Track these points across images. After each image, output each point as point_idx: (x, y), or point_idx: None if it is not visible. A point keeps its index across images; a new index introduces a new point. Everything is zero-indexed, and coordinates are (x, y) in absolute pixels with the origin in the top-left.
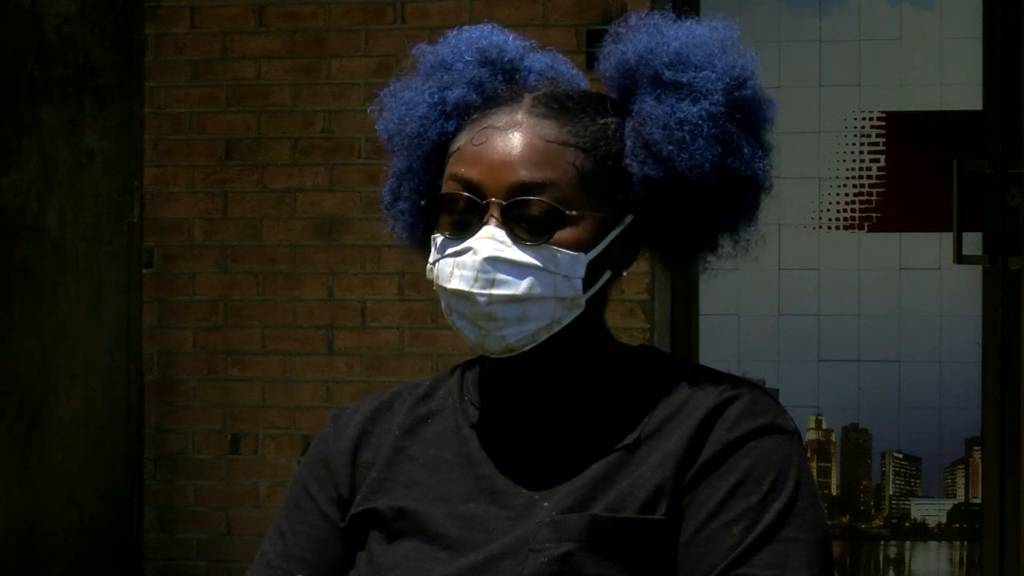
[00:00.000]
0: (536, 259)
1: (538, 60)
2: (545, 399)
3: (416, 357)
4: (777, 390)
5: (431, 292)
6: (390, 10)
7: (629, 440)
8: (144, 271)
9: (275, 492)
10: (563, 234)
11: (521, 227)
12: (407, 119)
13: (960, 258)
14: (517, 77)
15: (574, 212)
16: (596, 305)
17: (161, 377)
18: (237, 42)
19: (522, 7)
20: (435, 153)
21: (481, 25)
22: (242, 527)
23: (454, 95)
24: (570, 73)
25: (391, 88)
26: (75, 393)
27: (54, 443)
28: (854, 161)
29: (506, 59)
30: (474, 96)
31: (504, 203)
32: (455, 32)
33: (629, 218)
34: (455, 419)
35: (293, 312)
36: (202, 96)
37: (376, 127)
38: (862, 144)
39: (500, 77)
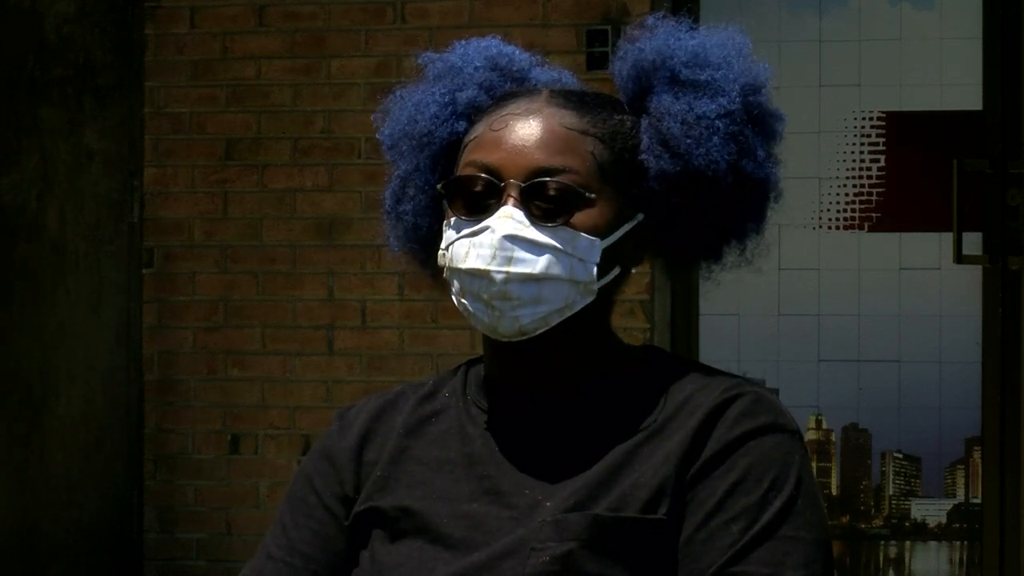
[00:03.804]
0: (554, 240)
1: (545, 73)
2: (548, 399)
3: (416, 357)
4: (777, 390)
5: (431, 292)
6: (390, 10)
7: (632, 440)
8: (144, 271)
9: (275, 492)
10: (580, 217)
11: (539, 208)
12: (417, 118)
13: (960, 258)
14: (526, 85)
15: (592, 195)
16: (604, 304)
17: (161, 377)
18: (237, 42)
19: (522, 7)
20: (443, 154)
21: (488, 37)
22: (242, 527)
23: (465, 96)
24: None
25: (396, 94)
26: (75, 393)
27: (54, 443)
28: (854, 161)
29: (515, 68)
30: (485, 97)
31: (523, 185)
32: (463, 42)
33: (640, 216)
34: (459, 419)
35: (293, 312)
36: (202, 96)
37: (378, 135)
38: (862, 144)
39: (509, 84)
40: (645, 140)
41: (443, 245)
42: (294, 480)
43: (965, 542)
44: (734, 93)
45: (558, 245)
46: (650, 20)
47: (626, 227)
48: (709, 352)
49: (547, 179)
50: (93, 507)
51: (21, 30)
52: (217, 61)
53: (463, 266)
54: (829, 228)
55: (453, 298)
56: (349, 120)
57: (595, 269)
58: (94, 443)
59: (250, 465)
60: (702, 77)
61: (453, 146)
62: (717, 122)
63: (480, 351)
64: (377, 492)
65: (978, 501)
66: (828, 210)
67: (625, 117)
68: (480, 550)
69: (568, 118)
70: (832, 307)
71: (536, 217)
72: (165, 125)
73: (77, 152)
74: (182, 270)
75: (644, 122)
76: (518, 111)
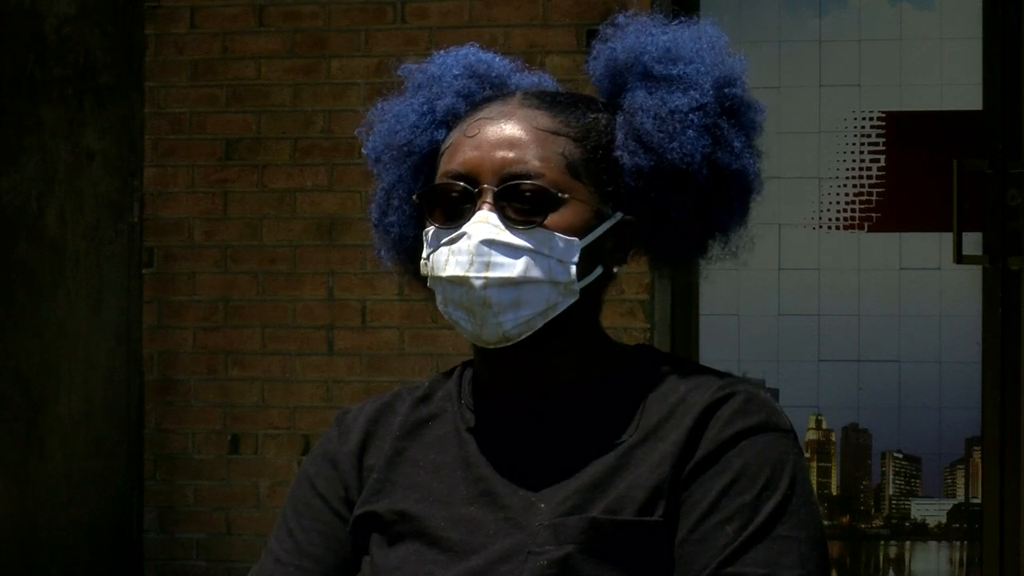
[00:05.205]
0: (530, 242)
1: (525, 78)
2: (541, 401)
3: (416, 357)
4: (777, 390)
5: (431, 292)
6: (390, 10)
7: (626, 441)
8: (144, 271)
9: (275, 492)
10: (555, 218)
11: (514, 211)
12: (397, 129)
13: (960, 258)
14: (505, 90)
15: (565, 195)
16: (590, 304)
17: (161, 377)
18: (237, 42)
19: (522, 7)
20: (424, 163)
21: (467, 45)
22: (242, 527)
23: (443, 104)
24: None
25: (378, 107)
26: (75, 393)
27: (54, 443)
28: (854, 161)
29: (494, 74)
30: (463, 105)
31: (496, 188)
32: (442, 52)
33: (619, 215)
34: (454, 422)
35: (293, 312)
36: (202, 96)
37: (363, 150)
38: (862, 144)
39: (488, 90)
40: (619, 136)
41: (424, 255)
42: (296, 484)
43: (965, 542)
44: (707, 86)
45: (534, 247)
46: (621, 18)
47: (605, 226)
48: (709, 352)
49: (520, 181)
50: (93, 507)
51: (21, 30)
52: (217, 61)
53: (443, 274)
54: (829, 228)
55: (439, 308)
56: (349, 120)
57: (574, 269)
58: (94, 443)
59: (250, 465)
60: (674, 72)
61: (434, 155)
62: (690, 116)
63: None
64: (374, 495)
65: (978, 501)
66: (828, 210)
67: (600, 115)
68: (477, 554)
69: (540, 119)
70: (832, 307)
71: (511, 220)
72: (165, 125)
73: (77, 152)
74: (182, 270)
75: (619, 118)
76: (491, 115)
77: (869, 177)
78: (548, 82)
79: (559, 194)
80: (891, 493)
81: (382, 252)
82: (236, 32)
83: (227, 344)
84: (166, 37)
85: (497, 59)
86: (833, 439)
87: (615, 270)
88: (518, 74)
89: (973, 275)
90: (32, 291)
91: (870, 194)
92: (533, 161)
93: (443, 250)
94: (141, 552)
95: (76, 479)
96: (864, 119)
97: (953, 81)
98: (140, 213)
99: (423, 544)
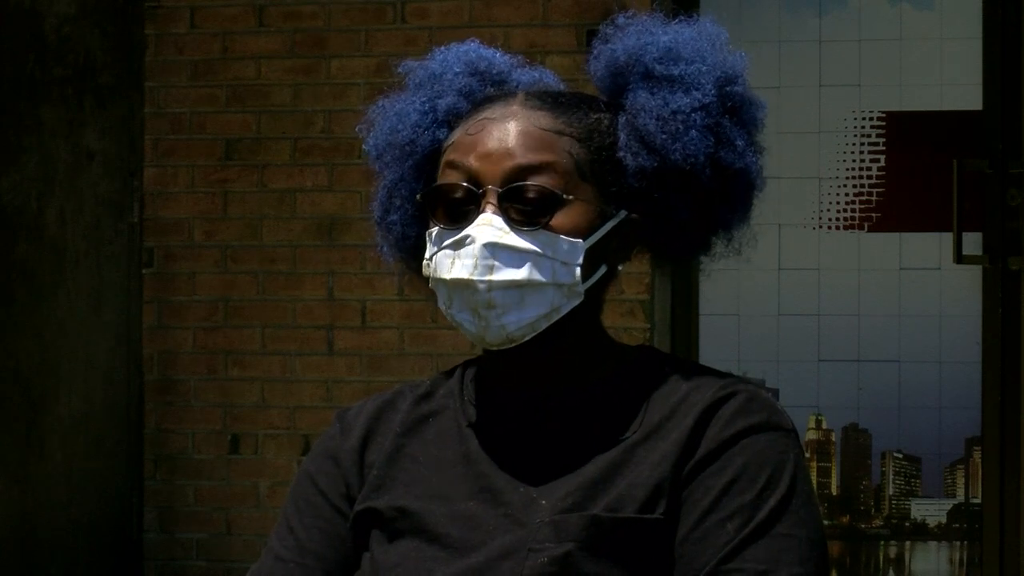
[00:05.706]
0: (535, 245)
1: (526, 74)
2: (543, 398)
3: (416, 357)
4: (777, 390)
5: (432, 292)
6: (390, 10)
7: (627, 439)
8: (144, 271)
9: (275, 492)
10: (560, 219)
11: (518, 213)
12: (399, 127)
13: (960, 258)
14: (506, 88)
15: (570, 196)
16: (593, 304)
17: (161, 377)
18: (237, 42)
19: (522, 7)
20: (426, 162)
21: (468, 41)
22: (242, 527)
23: (445, 103)
24: (559, 87)
25: (379, 104)
26: (75, 393)
27: (54, 443)
28: (854, 161)
29: (495, 71)
30: (464, 104)
31: (501, 190)
32: (442, 48)
33: (623, 213)
34: (456, 419)
35: (293, 312)
36: (202, 96)
37: (364, 146)
38: (862, 144)
39: (489, 88)
40: (622, 137)
41: (427, 256)
42: (297, 481)
43: (965, 542)
44: (709, 86)
45: (539, 250)
46: (621, 19)
47: (608, 226)
48: (709, 352)
49: (524, 183)
50: (93, 507)
51: (21, 30)
52: (217, 61)
53: (447, 276)
54: (829, 228)
55: (441, 308)
56: (349, 120)
57: (579, 271)
58: (94, 443)
59: (250, 465)
60: (675, 72)
61: (436, 154)
62: (693, 116)
63: (480, 351)
64: (374, 492)
65: (978, 501)
66: (828, 210)
67: (602, 115)
68: (478, 550)
69: (543, 119)
70: (832, 307)
71: (516, 222)
72: (165, 125)
73: (77, 152)
74: (182, 270)
75: (621, 119)
76: (494, 115)
77: (869, 177)
78: (549, 78)
79: (564, 195)
80: (891, 493)
81: (384, 249)
82: (236, 32)
83: (227, 344)
84: (166, 37)
85: (498, 55)
86: (833, 439)
87: (619, 268)
88: (519, 70)
89: (973, 275)
90: (32, 291)
91: (870, 194)
92: (538, 162)
93: (446, 252)
94: (141, 552)
95: (76, 479)
96: (864, 119)
97: (953, 81)
98: (140, 213)
99: (423, 541)
